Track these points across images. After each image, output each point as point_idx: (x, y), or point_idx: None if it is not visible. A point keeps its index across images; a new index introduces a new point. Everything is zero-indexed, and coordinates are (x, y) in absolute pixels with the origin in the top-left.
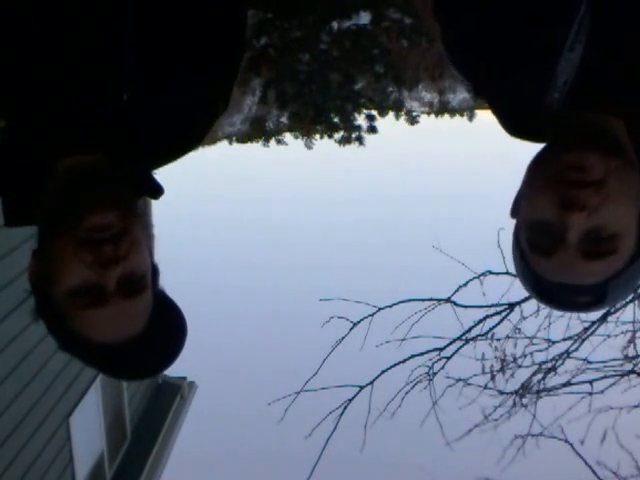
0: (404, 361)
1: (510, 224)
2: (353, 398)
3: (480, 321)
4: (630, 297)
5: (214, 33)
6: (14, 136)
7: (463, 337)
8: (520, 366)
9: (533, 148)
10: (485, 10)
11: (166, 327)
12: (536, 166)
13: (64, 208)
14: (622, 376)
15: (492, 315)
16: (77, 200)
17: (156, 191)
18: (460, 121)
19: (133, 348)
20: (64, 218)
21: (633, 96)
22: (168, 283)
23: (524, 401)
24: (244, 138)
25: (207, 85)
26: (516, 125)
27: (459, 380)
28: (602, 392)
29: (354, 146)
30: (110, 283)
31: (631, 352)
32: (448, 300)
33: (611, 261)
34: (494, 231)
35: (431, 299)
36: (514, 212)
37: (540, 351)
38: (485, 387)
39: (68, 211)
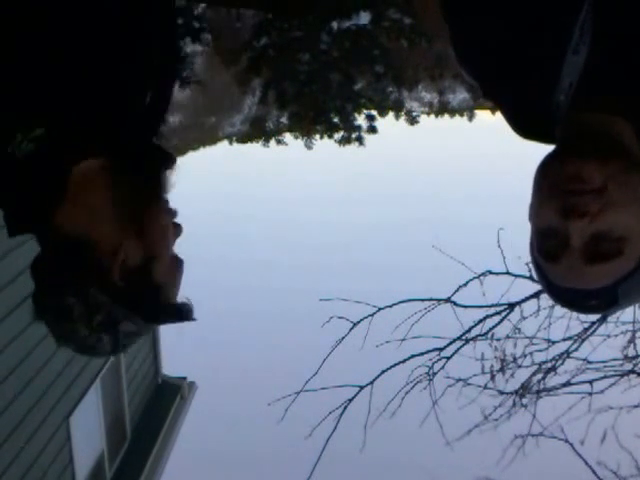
0: (404, 361)
1: (510, 224)
2: (353, 398)
3: (480, 321)
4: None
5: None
6: (46, 144)
7: (463, 337)
8: (520, 366)
9: (532, 149)
10: (490, 13)
11: None
12: (541, 174)
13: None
14: (622, 376)
15: (492, 315)
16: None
17: (170, 159)
18: (460, 121)
19: None
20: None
21: (638, 96)
22: None
23: (524, 401)
24: (244, 138)
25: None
26: (524, 127)
27: (459, 380)
28: (602, 392)
29: (354, 146)
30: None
31: (631, 352)
32: (448, 300)
33: (617, 264)
34: (494, 231)
35: (431, 299)
36: (530, 217)
37: (540, 351)
38: (485, 387)
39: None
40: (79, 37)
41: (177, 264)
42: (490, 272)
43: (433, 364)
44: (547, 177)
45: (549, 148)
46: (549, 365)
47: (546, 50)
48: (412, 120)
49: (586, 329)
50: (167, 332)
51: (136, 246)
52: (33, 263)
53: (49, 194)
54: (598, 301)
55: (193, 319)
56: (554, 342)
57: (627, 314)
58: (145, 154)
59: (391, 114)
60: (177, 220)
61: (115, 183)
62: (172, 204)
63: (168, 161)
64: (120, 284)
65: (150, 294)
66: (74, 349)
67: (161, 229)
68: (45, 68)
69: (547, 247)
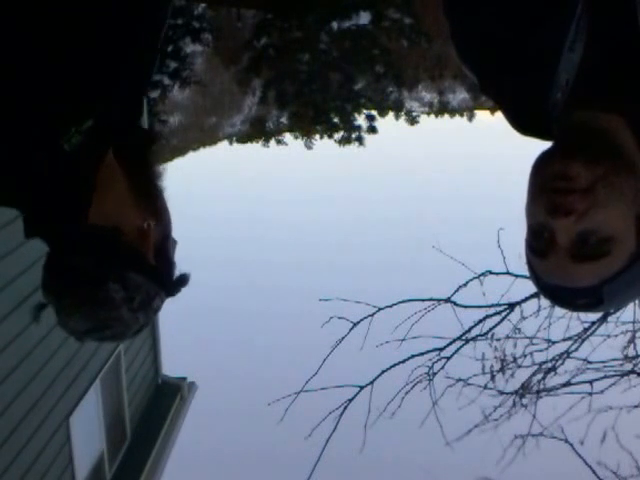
0: (404, 361)
1: (510, 224)
2: (353, 398)
3: (480, 321)
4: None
5: None
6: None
7: (463, 337)
8: (520, 366)
9: (531, 148)
10: (488, 10)
11: None
12: (534, 171)
13: None
14: (622, 376)
15: (492, 315)
16: None
17: (153, 137)
18: (460, 121)
19: None
20: None
21: (634, 93)
22: None
23: (524, 401)
24: (244, 138)
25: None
26: (522, 123)
27: (459, 380)
28: (602, 392)
29: (354, 146)
30: None
31: (631, 352)
32: (448, 300)
33: (604, 264)
34: (494, 231)
35: (431, 299)
36: (525, 214)
37: (540, 351)
38: (485, 387)
39: None
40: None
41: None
42: (490, 272)
43: (433, 364)
44: (539, 174)
45: (547, 145)
46: (549, 365)
47: (543, 46)
48: (412, 120)
49: (586, 329)
50: (167, 332)
51: (156, 226)
52: (48, 263)
53: (83, 191)
54: (584, 300)
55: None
56: (554, 342)
57: (627, 314)
58: (132, 137)
59: (391, 114)
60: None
61: (128, 171)
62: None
63: (153, 140)
64: (154, 263)
65: (170, 269)
66: (110, 335)
67: (167, 209)
68: (97, 59)
69: (536, 244)
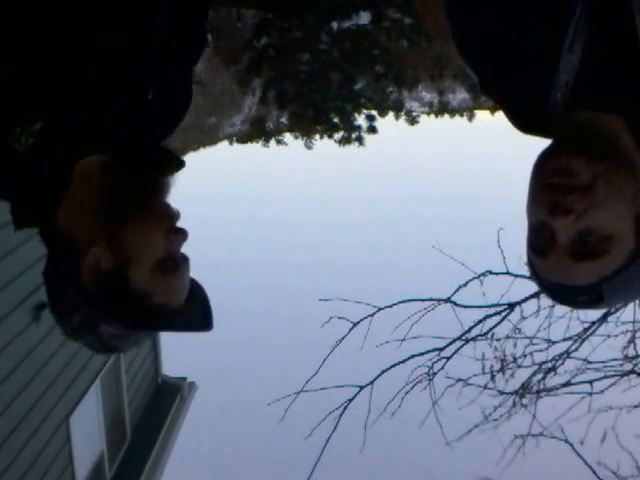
0: (404, 361)
1: (510, 224)
2: (353, 398)
3: (480, 321)
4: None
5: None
6: (45, 138)
7: (463, 337)
8: (520, 366)
9: (531, 148)
10: (488, 11)
11: None
12: (535, 170)
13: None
14: (622, 376)
15: (492, 315)
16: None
17: (175, 162)
18: (460, 121)
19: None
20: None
21: (633, 93)
22: None
23: (524, 401)
24: (244, 138)
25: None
26: (523, 124)
27: (459, 380)
28: (602, 392)
29: (354, 146)
30: None
31: (631, 352)
32: (448, 300)
33: (603, 262)
34: (494, 231)
35: (431, 299)
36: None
37: (540, 351)
38: (485, 387)
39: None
40: (80, 33)
41: (171, 269)
42: (490, 272)
43: (433, 364)
44: (539, 173)
45: (548, 143)
46: (549, 365)
47: (543, 47)
48: (412, 120)
49: (586, 329)
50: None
51: (111, 250)
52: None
53: (51, 191)
54: (584, 297)
55: (186, 329)
56: (554, 342)
57: (627, 314)
58: (148, 155)
59: (391, 114)
60: (180, 223)
61: (106, 183)
62: (175, 207)
63: (173, 164)
64: (91, 288)
65: (126, 299)
66: (82, 344)
67: (142, 233)
68: (44, 63)
69: (536, 242)
